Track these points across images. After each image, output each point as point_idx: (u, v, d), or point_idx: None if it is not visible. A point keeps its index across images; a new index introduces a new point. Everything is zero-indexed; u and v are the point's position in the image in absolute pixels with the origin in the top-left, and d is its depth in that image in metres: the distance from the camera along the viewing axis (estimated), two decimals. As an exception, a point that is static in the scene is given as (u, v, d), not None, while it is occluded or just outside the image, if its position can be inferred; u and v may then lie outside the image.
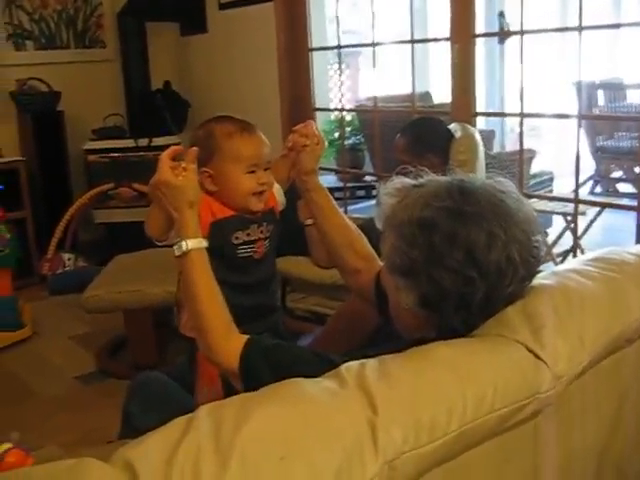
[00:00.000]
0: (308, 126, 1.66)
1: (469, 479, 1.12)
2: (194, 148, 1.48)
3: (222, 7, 4.80)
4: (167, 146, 5.06)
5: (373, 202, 5.16)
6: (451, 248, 1.17)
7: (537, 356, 1.15)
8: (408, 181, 1.32)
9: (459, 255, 1.16)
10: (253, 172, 1.58)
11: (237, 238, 1.61)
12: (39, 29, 4.91)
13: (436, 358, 1.11)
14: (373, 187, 5.45)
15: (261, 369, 1.27)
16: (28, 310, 3.79)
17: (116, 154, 4.70)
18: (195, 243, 1.41)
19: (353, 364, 1.08)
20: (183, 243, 1.41)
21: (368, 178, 5.64)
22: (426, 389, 1.03)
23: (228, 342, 1.34)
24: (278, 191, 1.72)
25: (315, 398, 0.99)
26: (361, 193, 5.56)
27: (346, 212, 3.55)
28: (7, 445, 1.55)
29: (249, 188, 1.58)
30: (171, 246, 1.45)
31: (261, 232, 1.65)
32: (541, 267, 1.31)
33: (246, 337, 1.34)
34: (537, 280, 1.31)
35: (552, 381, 1.13)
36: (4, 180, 4.43)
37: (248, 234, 1.62)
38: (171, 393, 1.73)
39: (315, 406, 0.97)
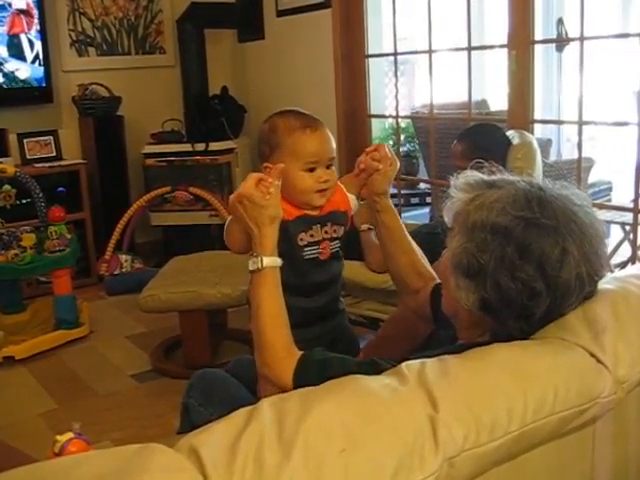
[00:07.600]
0: (380, 149, 1.64)
1: (526, 481, 1.11)
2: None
3: (280, 14, 4.86)
4: (223, 151, 5.03)
5: (427, 210, 5.14)
6: (523, 260, 1.15)
7: (599, 360, 1.14)
8: (480, 177, 1.29)
9: (530, 268, 1.15)
10: (313, 169, 1.54)
11: (301, 239, 1.56)
12: (101, 36, 5.02)
13: (496, 359, 1.11)
14: (427, 194, 5.45)
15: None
16: (86, 309, 3.86)
17: (173, 158, 4.77)
18: (270, 261, 1.40)
19: (413, 362, 1.08)
20: (259, 259, 1.40)
21: (422, 185, 5.64)
22: (486, 389, 1.03)
23: (285, 362, 1.34)
24: (353, 200, 1.69)
25: (376, 393, 0.99)
26: (415, 200, 5.57)
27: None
28: (69, 434, 1.58)
29: (307, 186, 1.54)
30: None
31: (325, 232, 1.60)
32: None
33: (299, 354, 1.35)
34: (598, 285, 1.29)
35: (614, 386, 1.12)
36: (66, 182, 4.54)
37: (311, 235, 1.58)
38: (230, 388, 1.75)
39: (376, 400, 0.98)
